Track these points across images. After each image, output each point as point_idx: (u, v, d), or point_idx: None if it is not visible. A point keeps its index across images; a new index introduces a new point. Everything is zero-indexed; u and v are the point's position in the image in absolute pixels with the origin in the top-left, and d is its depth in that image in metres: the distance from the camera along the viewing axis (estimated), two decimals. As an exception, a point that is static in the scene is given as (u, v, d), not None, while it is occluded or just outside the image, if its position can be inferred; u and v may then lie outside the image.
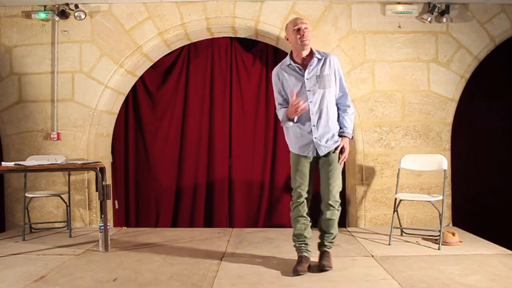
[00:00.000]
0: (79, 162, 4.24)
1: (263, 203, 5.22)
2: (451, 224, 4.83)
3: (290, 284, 2.96)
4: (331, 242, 3.31)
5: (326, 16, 4.86)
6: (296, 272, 3.14)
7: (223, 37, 5.29)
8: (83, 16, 4.73)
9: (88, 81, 4.87)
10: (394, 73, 4.85)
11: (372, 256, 3.64)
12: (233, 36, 5.22)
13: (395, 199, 4.16)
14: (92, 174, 4.82)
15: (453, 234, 3.98)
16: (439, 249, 3.79)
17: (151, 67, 5.25)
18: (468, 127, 5.17)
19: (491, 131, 5.28)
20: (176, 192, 5.31)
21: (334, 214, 3.22)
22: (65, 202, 4.61)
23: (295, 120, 3.12)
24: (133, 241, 4.23)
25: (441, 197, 3.98)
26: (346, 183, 5.16)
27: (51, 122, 4.85)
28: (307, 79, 3.12)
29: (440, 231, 3.88)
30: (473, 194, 5.18)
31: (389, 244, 3.97)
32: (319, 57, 3.16)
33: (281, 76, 3.20)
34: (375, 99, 4.86)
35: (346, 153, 3.20)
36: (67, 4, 4.71)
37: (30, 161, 4.16)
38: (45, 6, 4.81)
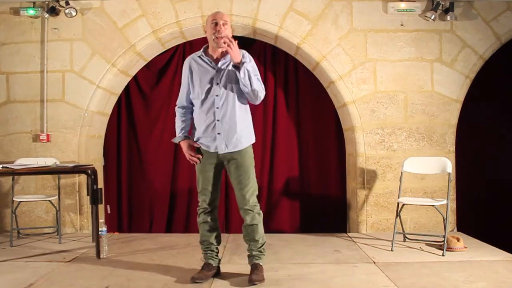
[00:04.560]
0: (70, 165, 4.18)
1: (260, 207, 5.10)
2: (455, 229, 4.79)
3: (290, 294, 2.89)
4: (260, 252, 3.22)
5: (326, 14, 4.80)
6: (192, 279, 3.05)
7: (220, 36, 5.21)
8: (74, 13, 4.66)
9: (79, 81, 4.80)
10: (396, 73, 4.80)
11: (374, 262, 3.60)
12: (229, 34, 5.14)
13: (398, 203, 4.13)
14: (83, 177, 4.76)
15: (458, 240, 3.96)
16: (443, 255, 3.76)
17: (145, 66, 5.19)
18: (473, 129, 5.11)
19: (497, 132, 5.21)
20: (170, 196, 5.23)
21: (254, 218, 3.19)
22: (55, 207, 4.55)
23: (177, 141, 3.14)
24: (126, 247, 4.20)
25: (445, 201, 3.98)
26: (346, 186, 5.12)
27: (40, 123, 4.79)
28: (217, 72, 2.98)
29: (444, 236, 3.87)
30: (478, 198, 5.12)
31: (392, 250, 3.95)
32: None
33: (193, 66, 3.06)
34: (376, 99, 4.80)
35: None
36: (57, 1, 4.65)
37: (19, 164, 4.14)
38: (34, 3, 4.72)
